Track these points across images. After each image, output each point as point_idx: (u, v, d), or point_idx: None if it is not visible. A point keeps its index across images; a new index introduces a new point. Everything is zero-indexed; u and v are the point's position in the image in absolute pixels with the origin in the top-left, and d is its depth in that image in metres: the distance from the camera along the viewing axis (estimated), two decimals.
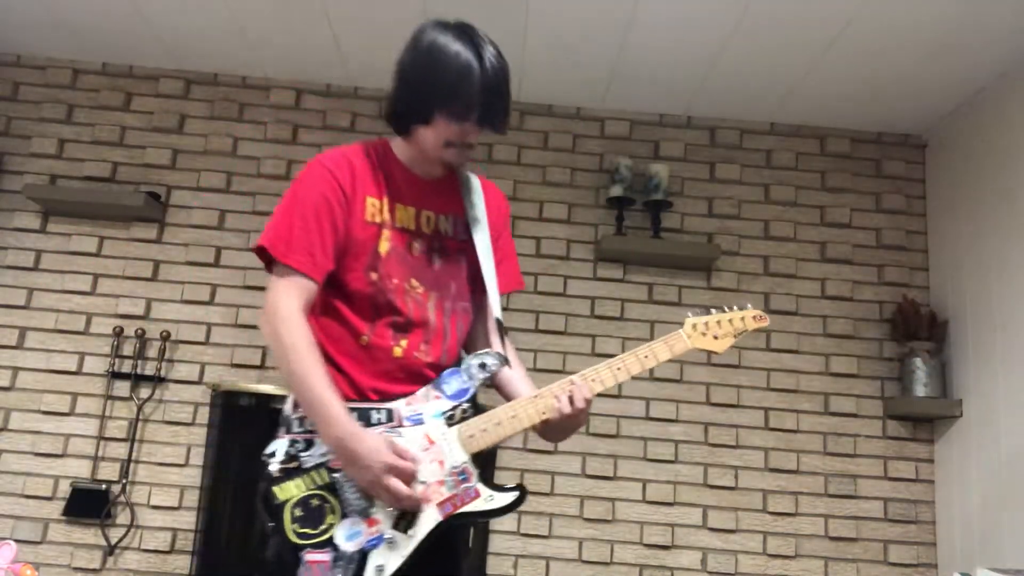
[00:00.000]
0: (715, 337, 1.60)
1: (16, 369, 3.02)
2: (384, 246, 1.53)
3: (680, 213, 3.24)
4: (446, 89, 1.48)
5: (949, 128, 3.16)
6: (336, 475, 1.41)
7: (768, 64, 2.89)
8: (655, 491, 3.02)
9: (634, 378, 1.58)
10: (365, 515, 1.41)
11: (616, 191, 3.12)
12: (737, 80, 3.03)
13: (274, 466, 1.43)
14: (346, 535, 1.39)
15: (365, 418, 1.44)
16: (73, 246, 3.13)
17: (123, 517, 2.93)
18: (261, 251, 1.51)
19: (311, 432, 1.44)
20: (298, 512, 1.40)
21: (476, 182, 1.70)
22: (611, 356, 3.26)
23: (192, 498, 2.93)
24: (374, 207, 1.55)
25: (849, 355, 3.14)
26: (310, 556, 1.37)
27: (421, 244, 1.58)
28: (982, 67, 2.80)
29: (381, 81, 3.25)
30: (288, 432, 1.46)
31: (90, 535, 2.91)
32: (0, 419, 2.99)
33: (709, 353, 1.79)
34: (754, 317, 1.63)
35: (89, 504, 2.89)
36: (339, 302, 1.52)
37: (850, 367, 3.13)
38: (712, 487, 3.03)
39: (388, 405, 1.47)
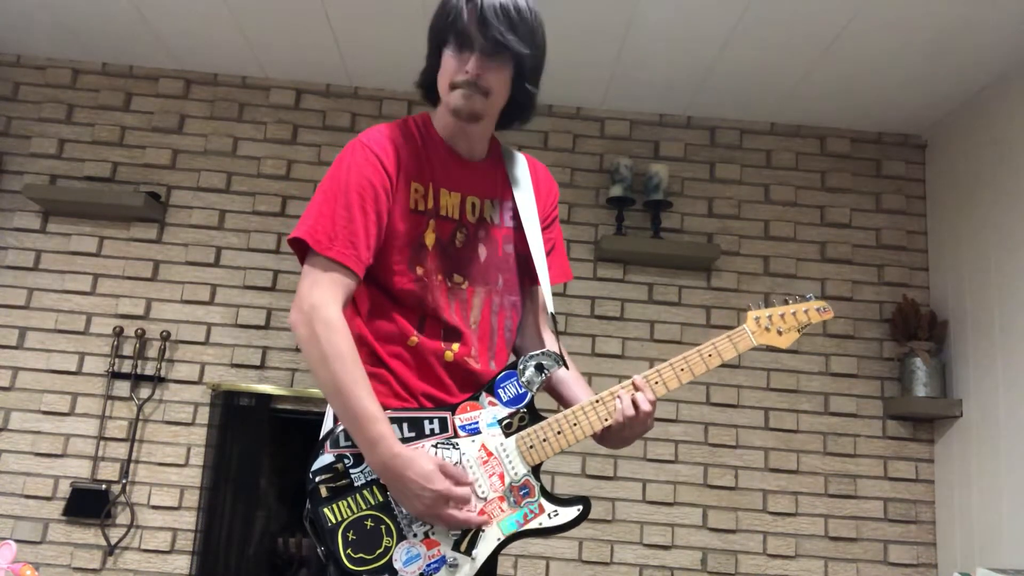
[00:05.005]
0: (779, 332, 1.49)
1: (16, 369, 3.02)
2: (430, 238, 1.41)
3: (680, 213, 3.24)
4: (440, 20, 1.38)
5: (949, 128, 3.16)
6: (390, 493, 1.32)
7: (768, 64, 2.89)
8: (655, 491, 3.01)
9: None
10: (423, 536, 1.31)
11: (616, 191, 3.12)
12: (737, 80, 3.03)
13: (322, 486, 1.31)
14: (404, 559, 1.29)
15: (418, 427, 1.34)
16: (73, 246, 3.13)
17: (123, 517, 2.93)
18: (297, 242, 1.36)
19: None
20: (351, 535, 1.29)
21: (523, 161, 1.56)
22: (611, 356, 3.24)
23: (192, 498, 2.94)
24: (418, 193, 1.41)
25: (849, 355, 3.14)
26: None
27: (466, 234, 1.45)
28: (982, 67, 2.80)
29: (381, 81, 3.25)
30: (334, 447, 1.33)
31: (90, 535, 2.91)
32: (0, 419, 2.99)
33: (771, 349, 1.71)
34: (818, 309, 1.51)
35: (89, 504, 2.89)
36: (385, 300, 1.40)
37: (850, 367, 3.12)
38: (712, 487, 3.03)
39: (441, 413, 1.37)
